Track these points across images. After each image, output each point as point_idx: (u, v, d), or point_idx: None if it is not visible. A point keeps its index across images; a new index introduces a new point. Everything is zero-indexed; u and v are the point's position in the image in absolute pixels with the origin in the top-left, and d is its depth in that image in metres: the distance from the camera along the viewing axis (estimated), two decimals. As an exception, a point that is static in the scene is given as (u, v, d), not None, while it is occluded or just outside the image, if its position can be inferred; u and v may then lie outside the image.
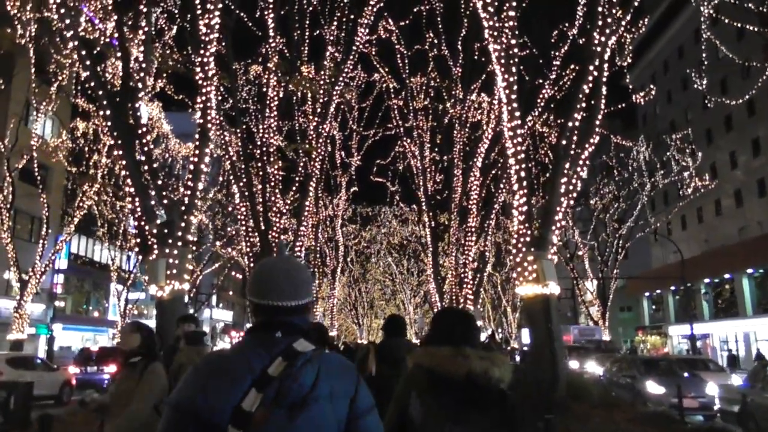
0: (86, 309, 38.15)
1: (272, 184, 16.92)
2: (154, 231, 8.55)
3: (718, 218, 36.96)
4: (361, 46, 18.23)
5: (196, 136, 9.47)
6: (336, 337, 42.84)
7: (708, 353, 32.63)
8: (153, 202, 8.69)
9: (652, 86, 22.69)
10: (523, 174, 9.29)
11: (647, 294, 43.45)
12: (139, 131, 8.80)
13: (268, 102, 16.72)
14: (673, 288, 38.44)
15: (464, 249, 19.04)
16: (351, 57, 17.35)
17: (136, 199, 8.61)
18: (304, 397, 1.55)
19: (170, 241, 8.58)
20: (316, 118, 17.50)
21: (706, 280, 34.89)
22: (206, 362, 1.67)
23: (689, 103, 40.04)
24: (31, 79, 21.99)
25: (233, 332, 54.20)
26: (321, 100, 17.60)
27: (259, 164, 16.84)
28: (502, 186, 17.56)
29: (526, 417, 7.83)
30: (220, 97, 17.25)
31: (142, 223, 8.61)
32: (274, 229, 16.39)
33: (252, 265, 16.03)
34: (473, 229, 17.72)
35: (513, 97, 9.57)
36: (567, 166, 9.27)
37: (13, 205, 22.52)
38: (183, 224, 8.74)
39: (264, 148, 16.77)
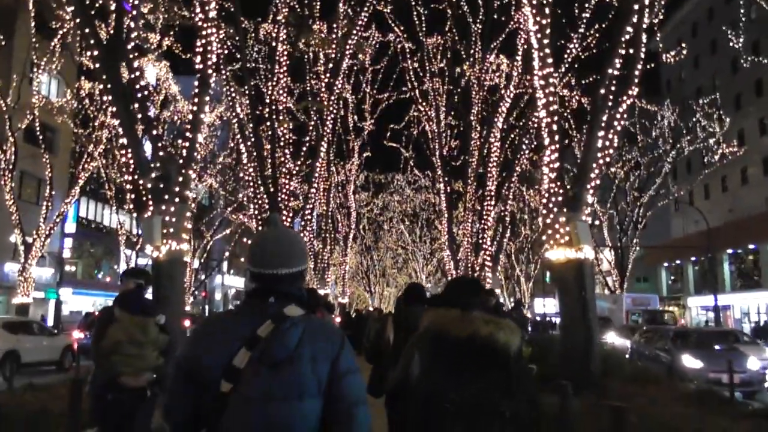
0: (97, 274, 37.94)
1: (281, 144, 16.15)
2: (149, 186, 7.80)
3: (744, 187, 35.67)
4: (374, 2, 17.16)
5: (195, 83, 8.65)
6: (348, 305, 42.49)
7: (729, 325, 31.78)
8: (148, 154, 7.91)
9: (683, 44, 21.33)
10: (555, 127, 8.40)
11: (666, 264, 42.49)
12: (132, 76, 7.98)
13: (277, 57, 15.80)
14: (693, 258, 37.44)
15: (483, 214, 18.18)
16: (365, 11, 16.33)
17: (129, 151, 7.84)
18: (286, 357, 1.71)
19: (166, 196, 7.82)
20: (327, 75, 16.59)
21: (729, 251, 33.82)
22: (205, 324, 1.96)
23: (718, 68, 38.36)
24: (30, 35, 21.18)
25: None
26: (333, 56, 16.67)
27: (268, 124, 16.02)
28: (524, 147, 16.59)
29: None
30: (226, 51, 16.38)
31: (136, 177, 7.86)
32: (284, 191, 15.66)
33: (260, 227, 15.36)
34: (492, 194, 16.83)
35: (545, 42, 8.63)
36: (604, 119, 8.37)
37: (16, 166, 21.88)
38: (181, 179, 7.97)
39: (273, 107, 15.92)
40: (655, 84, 44.71)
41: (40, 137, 22.16)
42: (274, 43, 16.34)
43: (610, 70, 8.40)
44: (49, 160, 23.57)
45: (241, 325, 1.77)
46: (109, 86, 7.65)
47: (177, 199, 7.90)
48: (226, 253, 45.35)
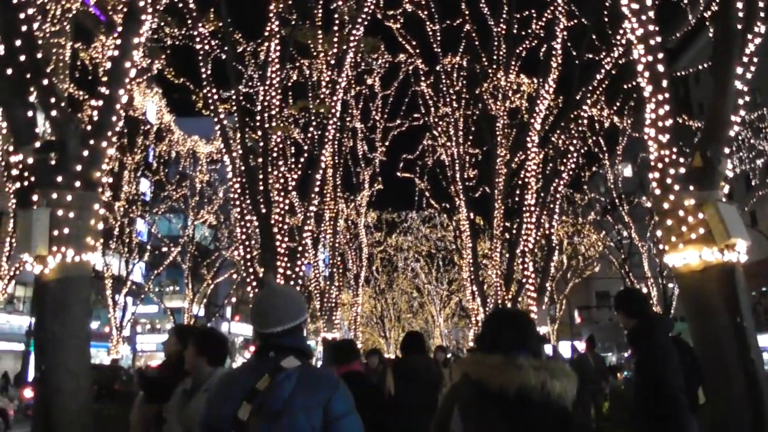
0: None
1: (274, 155, 13.44)
2: (30, 161, 4.95)
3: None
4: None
5: (120, 16, 5.93)
6: (361, 350, 39.12)
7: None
8: (31, 114, 5.09)
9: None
10: (660, 68, 5.50)
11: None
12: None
13: (270, 53, 13.19)
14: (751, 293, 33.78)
15: (517, 241, 15.11)
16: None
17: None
18: (281, 407, 1.91)
19: (60, 178, 4.97)
20: (328, 72, 13.95)
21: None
22: (220, 381, 2.28)
23: (757, 85, 35.59)
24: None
25: (251, 347, 50.68)
26: (334, 51, 14.09)
27: (260, 133, 13.32)
28: (572, 149, 13.61)
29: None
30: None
31: (12, 149, 5.03)
32: (277, 212, 12.82)
33: (248, 256, 12.44)
34: (531, 209, 13.82)
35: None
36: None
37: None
38: (86, 153, 5.12)
39: (266, 113, 13.27)
40: (685, 106, 41.83)
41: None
42: (266, 43, 13.79)
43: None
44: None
45: (246, 380, 2.00)
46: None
47: (78, 184, 5.03)
48: (233, 299, 42.49)
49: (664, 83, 5.47)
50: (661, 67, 5.52)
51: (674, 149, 5.19)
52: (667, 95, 5.43)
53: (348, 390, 2.03)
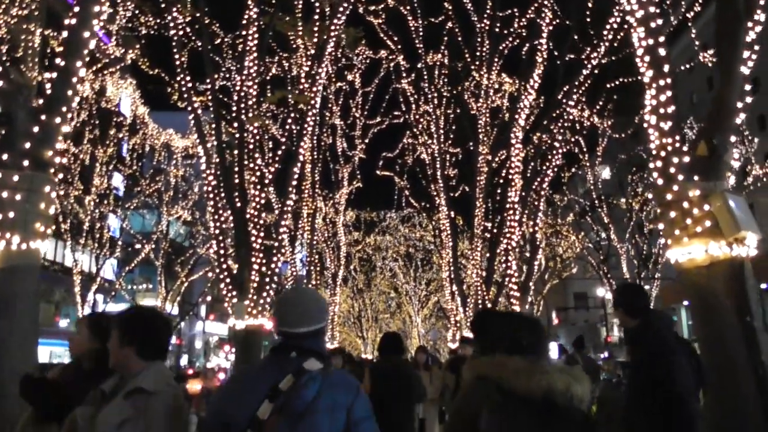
0: (57, 321, 33.93)
1: (250, 148, 12.92)
2: (-29, 135, 4.44)
3: (773, 215, 32.51)
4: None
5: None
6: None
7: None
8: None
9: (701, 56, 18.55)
10: (661, 52, 5.18)
11: (686, 303, 38.91)
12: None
13: (248, 41, 12.67)
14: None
15: (498, 238, 14.80)
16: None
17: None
18: (305, 409, 1.92)
19: (5, 156, 4.47)
20: (307, 62, 13.46)
21: (763, 286, 30.43)
22: (233, 378, 2.42)
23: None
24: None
25: (226, 347, 49.83)
26: (314, 40, 13.63)
27: (236, 124, 12.79)
28: (557, 144, 13.29)
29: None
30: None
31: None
32: (253, 206, 12.31)
33: (222, 252, 11.91)
34: (514, 206, 13.49)
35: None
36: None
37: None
38: (36, 129, 4.62)
39: (242, 104, 12.74)
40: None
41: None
42: (244, 31, 13.25)
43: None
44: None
45: (266, 379, 1.99)
46: None
47: (26, 163, 4.53)
48: (208, 297, 41.71)
49: (666, 68, 5.14)
50: (662, 51, 5.19)
51: (677, 137, 4.87)
52: (668, 80, 5.10)
53: (367, 396, 2.09)
